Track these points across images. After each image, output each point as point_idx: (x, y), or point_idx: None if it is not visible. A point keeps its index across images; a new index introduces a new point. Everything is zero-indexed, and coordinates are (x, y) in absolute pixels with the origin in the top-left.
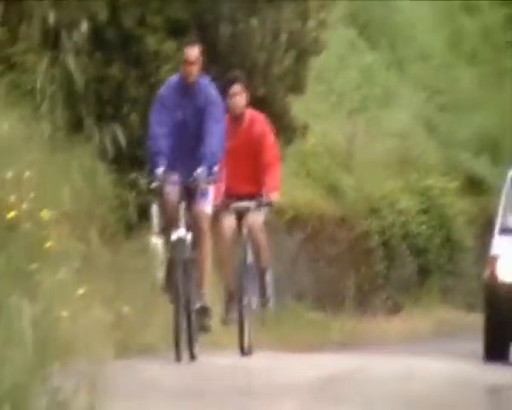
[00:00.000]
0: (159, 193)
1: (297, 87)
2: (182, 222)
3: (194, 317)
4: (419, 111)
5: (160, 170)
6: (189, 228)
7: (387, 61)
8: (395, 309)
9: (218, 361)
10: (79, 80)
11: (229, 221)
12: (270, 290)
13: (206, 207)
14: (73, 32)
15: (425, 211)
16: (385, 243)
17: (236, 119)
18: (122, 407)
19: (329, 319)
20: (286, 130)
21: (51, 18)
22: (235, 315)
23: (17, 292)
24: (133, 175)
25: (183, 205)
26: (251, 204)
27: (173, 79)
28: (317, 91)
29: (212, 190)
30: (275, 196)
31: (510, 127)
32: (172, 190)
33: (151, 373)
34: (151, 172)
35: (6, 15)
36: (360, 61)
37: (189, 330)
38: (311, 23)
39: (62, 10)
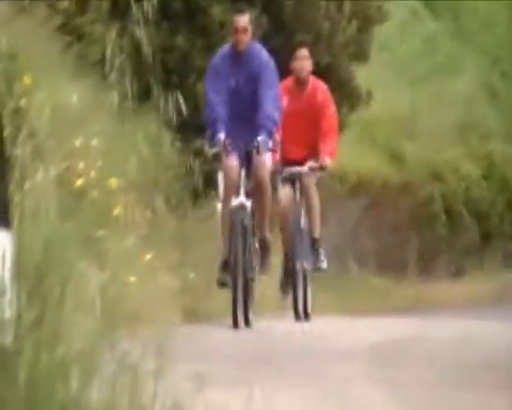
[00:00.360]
0: (219, 159)
1: (360, 55)
2: (242, 189)
3: (250, 284)
4: (481, 78)
5: (221, 136)
6: (248, 195)
7: (450, 30)
8: (458, 274)
9: (279, 326)
10: (147, 50)
11: (285, 188)
12: (322, 255)
13: (267, 159)
14: (142, 3)
15: (487, 177)
16: (447, 209)
17: (300, 83)
18: (187, 369)
19: (392, 284)
20: (350, 97)
21: None
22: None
23: (85, 258)
24: (198, 143)
25: (243, 171)
26: (304, 168)
27: (225, 48)
28: (380, 60)
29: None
30: (328, 161)
31: None
32: (232, 157)
33: (215, 338)
34: (211, 138)
35: None
36: (423, 30)
37: (245, 297)
38: None
39: None
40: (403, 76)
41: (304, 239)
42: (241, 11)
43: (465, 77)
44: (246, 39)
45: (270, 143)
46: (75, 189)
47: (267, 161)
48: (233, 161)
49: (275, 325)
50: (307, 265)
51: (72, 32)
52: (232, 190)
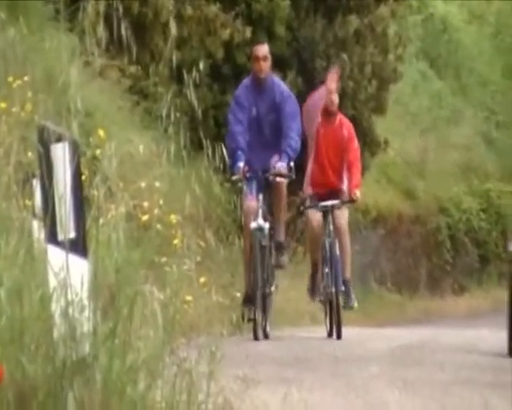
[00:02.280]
0: (239, 186)
1: (379, 109)
2: (260, 212)
3: (268, 299)
4: (479, 128)
5: (240, 164)
6: (266, 219)
7: (453, 87)
8: (460, 291)
9: (310, 335)
10: (198, 108)
11: (316, 215)
12: (353, 294)
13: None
14: (193, 69)
15: (485, 210)
16: (452, 237)
17: (329, 115)
18: (235, 373)
19: (406, 300)
20: (370, 145)
21: (175, 57)
22: (319, 290)
23: (150, 281)
24: (238, 186)
25: (261, 196)
26: (336, 202)
27: (246, 79)
28: (395, 113)
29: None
30: (357, 194)
31: None
32: (251, 184)
33: (257, 347)
34: (231, 167)
35: (140, 55)
36: (430, 88)
37: (264, 312)
38: (391, 57)
39: (185, 51)
40: (414, 126)
41: (337, 265)
42: (261, 42)
43: (466, 127)
44: (266, 67)
45: (290, 172)
46: (141, 223)
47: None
48: (252, 197)
49: (309, 335)
50: (339, 290)
51: (138, 92)
52: (251, 214)
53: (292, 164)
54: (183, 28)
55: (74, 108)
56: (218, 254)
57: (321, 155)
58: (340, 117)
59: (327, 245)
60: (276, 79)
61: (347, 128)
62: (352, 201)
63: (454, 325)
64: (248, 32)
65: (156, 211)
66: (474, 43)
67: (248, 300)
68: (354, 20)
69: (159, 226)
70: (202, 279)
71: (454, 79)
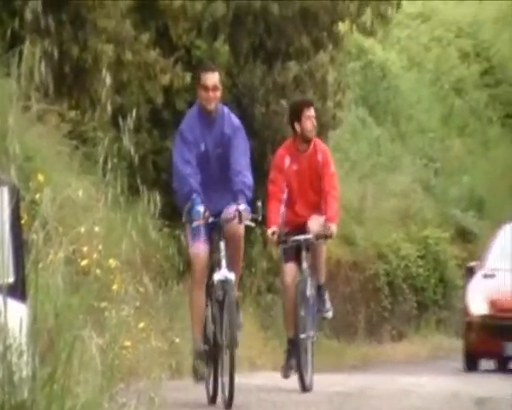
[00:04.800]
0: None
1: None
2: (223, 262)
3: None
4: (418, 175)
5: (200, 209)
6: (231, 269)
7: (392, 134)
8: (399, 337)
9: (251, 381)
10: (135, 154)
11: (291, 270)
12: (328, 304)
13: (240, 226)
14: (131, 114)
15: (423, 257)
16: (390, 283)
17: (304, 143)
18: None
19: (344, 346)
20: None
21: (116, 102)
22: (294, 363)
23: (89, 326)
24: (176, 232)
25: (222, 244)
26: (310, 236)
27: (192, 110)
28: (334, 159)
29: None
30: (331, 229)
31: (493, 188)
32: (206, 229)
33: (196, 391)
34: (188, 212)
35: (79, 100)
36: (369, 134)
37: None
38: (330, 104)
39: (125, 96)
40: (353, 172)
41: (309, 308)
42: (211, 68)
43: (404, 174)
44: (215, 99)
45: (251, 214)
46: (80, 268)
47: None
48: (204, 245)
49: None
50: (313, 336)
51: (77, 137)
52: (212, 264)
53: (260, 203)
54: (123, 73)
55: (13, 153)
56: (157, 299)
57: (295, 194)
58: (314, 142)
59: (301, 288)
60: (227, 109)
61: (322, 152)
62: (327, 237)
63: (392, 371)
64: (188, 77)
65: (95, 256)
66: (413, 90)
67: (202, 355)
68: (293, 67)
69: (98, 271)
70: (141, 324)
71: (393, 126)
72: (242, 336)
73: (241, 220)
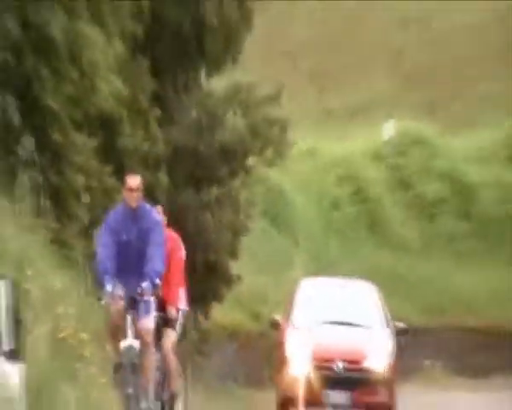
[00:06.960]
0: (107, 308)
1: (233, 254)
2: (130, 331)
3: None
4: (306, 270)
5: (109, 288)
6: (136, 336)
7: (289, 241)
8: None
9: None
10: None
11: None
12: None
13: (150, 322)
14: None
15: None
16: None
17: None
18: None
19: (255, 392)
20: (228, 281)
21: (86, 217)
22: None
23: (65, 382)
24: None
25: (130, 315)
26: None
27: (118, 206)
28: (246, 254)
29: (153, 303)
30: (173, 312)
31: None
32: (119, 304)
33: None
34: (100, 289)
35: (59, 216)
36: (271, 243)
37: None
38: (242, 216)
39: (95, 212)
40: (262, 266)
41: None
42: (134, 173)
43: (296, 269)
44: (137, 198)
45: (154, 290)
46: (60, 338)
47: (150, 322)
48: (119, 309)
49: None
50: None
51: (58, 242)
52: (119, 332)
53: (157, 283)
54: (91, 196)
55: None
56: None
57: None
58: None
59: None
60: (148, 206)
61: (172, 239)
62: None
63: None
64: None
65: (70, 330)
66: (307, 207)
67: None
68: (215, 190)
69: (73, 341)
70: (103, 380)
71: (291, 234)
72: None
73: (142, 295)
